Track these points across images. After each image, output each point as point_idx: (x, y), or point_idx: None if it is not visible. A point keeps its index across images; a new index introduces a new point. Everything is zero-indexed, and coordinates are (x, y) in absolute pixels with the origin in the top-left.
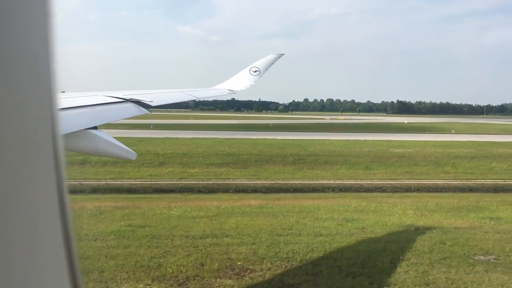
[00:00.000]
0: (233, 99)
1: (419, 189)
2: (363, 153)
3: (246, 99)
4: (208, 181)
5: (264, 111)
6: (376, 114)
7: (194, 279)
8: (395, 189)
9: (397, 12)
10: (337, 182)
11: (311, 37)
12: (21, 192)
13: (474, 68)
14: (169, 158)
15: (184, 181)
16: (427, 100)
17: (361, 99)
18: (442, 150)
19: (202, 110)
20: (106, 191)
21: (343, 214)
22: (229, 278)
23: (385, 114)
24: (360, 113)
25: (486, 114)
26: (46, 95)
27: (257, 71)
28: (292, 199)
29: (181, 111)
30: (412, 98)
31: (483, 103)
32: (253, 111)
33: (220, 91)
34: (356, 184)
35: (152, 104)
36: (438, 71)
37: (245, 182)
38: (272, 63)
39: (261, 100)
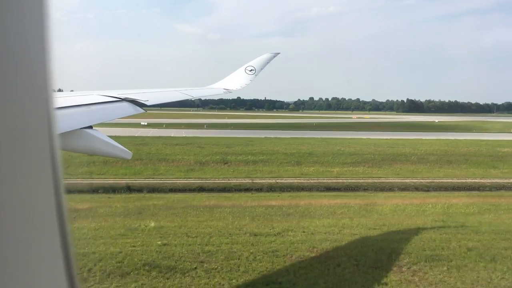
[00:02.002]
0: (239, 97)
1: None
2: (475, 152)
3: (252, 98)
4: (364, 180)
5: (274, 110)
6: (387, 112)
7: None
8: None
9: (395, 11)
10: (488, 180)
11: (310, 36)
12: (18, 192)
13: (474, 67)
14: (300, 158)
15: (341, 179)
16: (433, 98)
17: (365, 97)
18: None
19: (212, 109)
20: (286, 190)
21: None
22: None
23: (395, 112)
24: (371, 112)
25: (495, 112)
26: (43, 94)
27: (253, 70)
28: (490, 197)
29: (198, 110)
30: (414, 96)
31: (486, 101)
32: (264, 109)
33: (216, 90)
34: (508, 182)
35: (148, 103)
36: (439, 69)
37: (400, 181)
38: (268, 62)
39: (266, 98)
